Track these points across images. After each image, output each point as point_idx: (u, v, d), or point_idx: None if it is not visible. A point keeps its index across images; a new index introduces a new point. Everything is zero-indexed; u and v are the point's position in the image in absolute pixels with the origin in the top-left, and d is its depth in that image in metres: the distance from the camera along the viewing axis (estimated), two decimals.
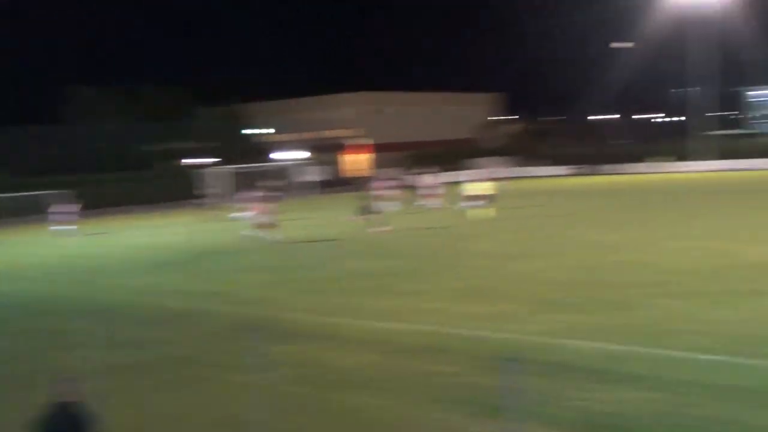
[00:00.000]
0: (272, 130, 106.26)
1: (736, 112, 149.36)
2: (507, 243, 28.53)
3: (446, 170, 54.84)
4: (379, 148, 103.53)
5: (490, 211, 37.29)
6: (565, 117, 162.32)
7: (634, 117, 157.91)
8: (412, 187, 50.48)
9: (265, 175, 70.54)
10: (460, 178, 52.44)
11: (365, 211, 37.56)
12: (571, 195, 49.35)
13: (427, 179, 48.32)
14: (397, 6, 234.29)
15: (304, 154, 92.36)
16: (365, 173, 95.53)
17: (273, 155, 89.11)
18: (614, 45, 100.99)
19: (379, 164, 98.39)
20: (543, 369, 8.14)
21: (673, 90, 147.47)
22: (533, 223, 34.97)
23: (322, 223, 41.38)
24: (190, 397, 12.00)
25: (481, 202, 38.43)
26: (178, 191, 67.89)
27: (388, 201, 43.22)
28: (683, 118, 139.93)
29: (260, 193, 39.13)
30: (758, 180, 59.12)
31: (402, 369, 10.87)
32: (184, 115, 78.49)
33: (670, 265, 21.42)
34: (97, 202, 62.47)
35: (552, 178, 76.56)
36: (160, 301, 20.81)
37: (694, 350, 12.84)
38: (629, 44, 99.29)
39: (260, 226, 34.91)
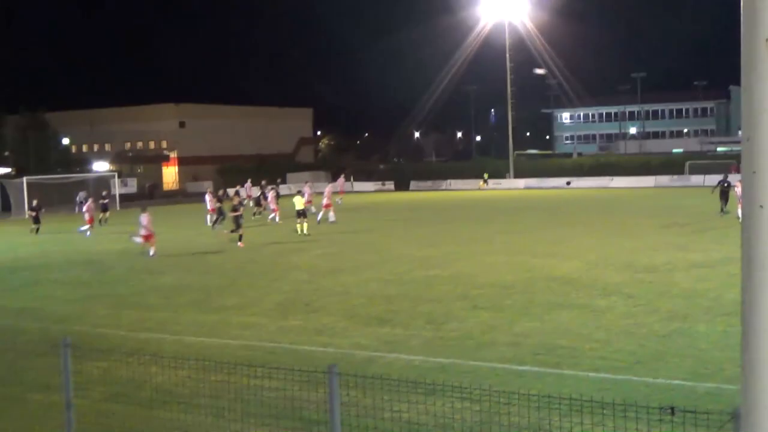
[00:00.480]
0: (78, 141, 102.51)
1: (546, 134, 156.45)
2: (324, 257, 28.76)
3: (260, 185, 54.73)
4: (187, 161, 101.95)
5: (305, 226, 37.35)
6: (369, 133, 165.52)
7: (441, 135, 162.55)
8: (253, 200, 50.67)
9: (72, 186, 68.16)
10: (281, 192, 52.72)
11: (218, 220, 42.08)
12: (382, 210, 50.23)
13: (256, 192, 49.06)
14: (205, 17, 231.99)
15: (111, 166, 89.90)
16: (176, 186, 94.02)
17: (82, 166, 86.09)
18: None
19: (189, 177, 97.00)
20: (362, 382, 8.28)
21: (492, 110, 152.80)
22: (348, 238, 35.42)
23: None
24: None
25: (303, 217, 38.30)
26: None
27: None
28: (479, 137, 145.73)
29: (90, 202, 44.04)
30: (565, 198, 62.26)
31: (221, 384, 10.78)
32: None
33: (480, 279, 22.23)
34: None
35: (361, 193, 77.61)
36: None
37: (505, 361, 13.44)
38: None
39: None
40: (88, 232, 41.83)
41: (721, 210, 39.40)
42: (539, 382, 12.02)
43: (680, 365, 12.86)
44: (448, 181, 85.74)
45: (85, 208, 44.20)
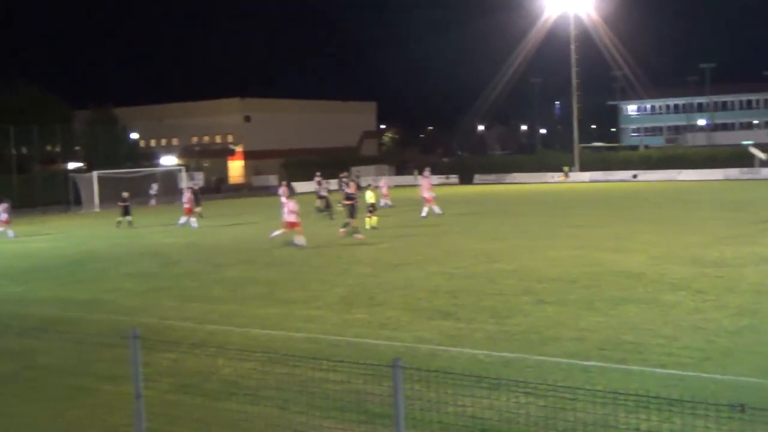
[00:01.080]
0: (145, 135, 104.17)
1: (613, 127, 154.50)
2: (388, 251, 28.82)
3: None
4: (252, 155, 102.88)
5: (374, 220, 37.59)
6: (433, 127, 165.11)
7: (505, 128, 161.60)
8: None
9: (140, 180, 69.34)
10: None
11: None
12: (445, 204, 50.11)
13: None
14: (274, 12, 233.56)
15: (179, 160, 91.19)
16: (242, 180, 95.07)
17: (150, 160, 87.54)
18: None
19: (255, 171, 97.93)
20: (427, 376, 8.30)
21: (557, 102, 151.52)
22: (412, 232, 35.43)
23: (206, 231, 40.87)
24: (69, 409, 11.71)
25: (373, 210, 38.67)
26: (53, 196, 66.12)
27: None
28: (549, 130, 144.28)
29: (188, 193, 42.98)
30: (631, 191, 61.47)
31: (286, 377, 10.88)
32: (58, 118, 76.15)
33: (545, 273, 22.06)
34: None
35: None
36: (33, 310, 20.20)
37: (570, 356, 13.33)
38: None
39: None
40: (195, 223, 41.28)
41: None
42: (604, 378, 11.90)
43: (750, 362, 12.62)
44: (512, 174, 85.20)
45: (185, 199, 43.27)
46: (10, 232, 41.51)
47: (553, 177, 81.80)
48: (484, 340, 14.83)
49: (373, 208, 38.09)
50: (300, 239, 30.74)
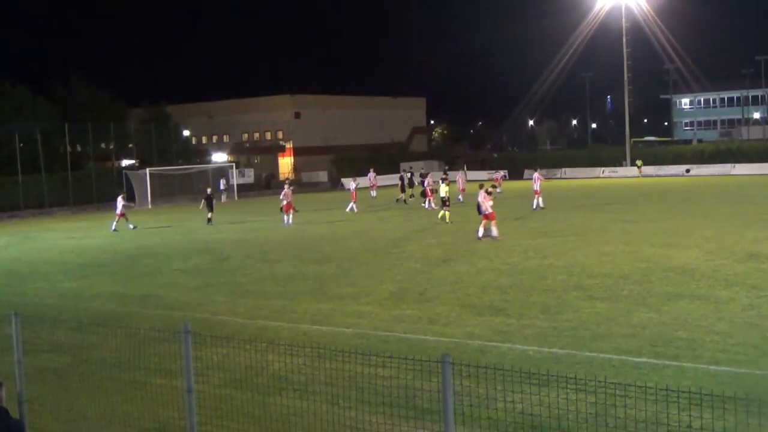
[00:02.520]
0: (197, 132, 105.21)
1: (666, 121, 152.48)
2: (437, 246, 28.78)
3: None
4: (302, 151, 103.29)
5: (447, 214, 38.25)
6: (482, 122, 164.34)
7: (555, 123, 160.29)
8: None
9: (194, 177, 70.09)
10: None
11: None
12: (497, 199, 49.89)
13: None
14: (324, 8, 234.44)
15: (230, 157, 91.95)
16: (291, 176, 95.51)
17: (201, 157, 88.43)
18: None
19: (305, 167, 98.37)
20: (476, 371, 8.27)
21: (608, 96, 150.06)
22: (461, 227, 35.34)
23: (254, 226, 41.19)
24: (122, 403, 11.88)
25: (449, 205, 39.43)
26: (107, 192, 67.10)
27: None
28: (607, 123, 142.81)
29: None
30: (684, 185, 60.65)
31: (335, 372, 10.93)
32: (111, 116, 77.24)
33: (596, 269, 21.88)
34: (23, 203, 61.33)
35: (475, 182, 77.05)
36: (89, 304, 20.54)
37: (621, 352, 13.21)
38: None
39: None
40: (290, 220, 40.25)
41: None
42: (657, 375, 11.78)
43: None
44: (563, 169, 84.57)
45: (282, 196, 41.83)
46: (114, 224, 42.67)
47: (615, 171, 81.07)
48: (534, 336, 14.76)
49: (447, 202, 38.92)
50: (495, 230, 30.23)
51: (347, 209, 47.45)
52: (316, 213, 47.04)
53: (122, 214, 42.95)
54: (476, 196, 30.97)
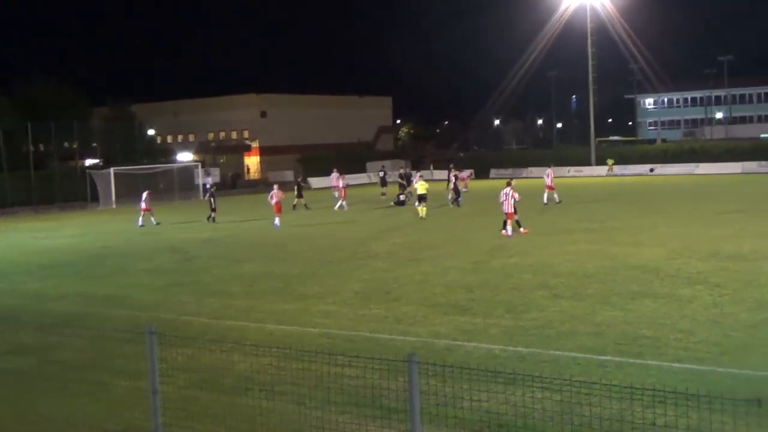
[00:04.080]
0: (162, 131, 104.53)
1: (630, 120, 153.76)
2: (403, 245, 28.81)
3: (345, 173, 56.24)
4: (268, 151, 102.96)
5: (424, 210, 39.29)
6: (449, 121, 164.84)
7: (521, 122, 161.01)
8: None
9: (159, 177, 69.63)
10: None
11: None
12: (465, 198, 50.08)
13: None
14: (290, 7, 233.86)
15: (195, 156, 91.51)
16: (257, 175, 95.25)
17: (166, 157, 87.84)
18: None
19: (271, 167, 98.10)
20: (442, 370, 8.30)
21: (573, 96, 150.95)
22: (427, 226, 35.44)
23: (220, 226, 40.99)
24: (87, 404, 11.77)
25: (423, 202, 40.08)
26: (71, 192, 66.44)
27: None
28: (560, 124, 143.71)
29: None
30: (648, 185, 61.17)
31: (302, 372, 10.91)
32: (75, 115, 76.44)
33: (561, 268, 22.01)
34: None
35: (440, 181, 77.15)
36: (52, 305, 20.33)
37: (586, 350, 13.30)
38: None
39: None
40: (278, 222, 38.84)
41: None
42: (621, 373, 11.87)
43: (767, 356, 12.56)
44: (529, 168, 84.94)
45: (271, 195, 40.44)
46: (140, 219, 42.90)
47: (580, 170, 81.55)
48: (499, 334, 14.82)
49: (424, 199, 39.76)
50: (510, 229, 30.36)
51: (336, 207, 47.69)
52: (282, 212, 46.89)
53: (148, 209, 43.33)
54: (499, 194, 31.07)
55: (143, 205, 43.42)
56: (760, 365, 12.06)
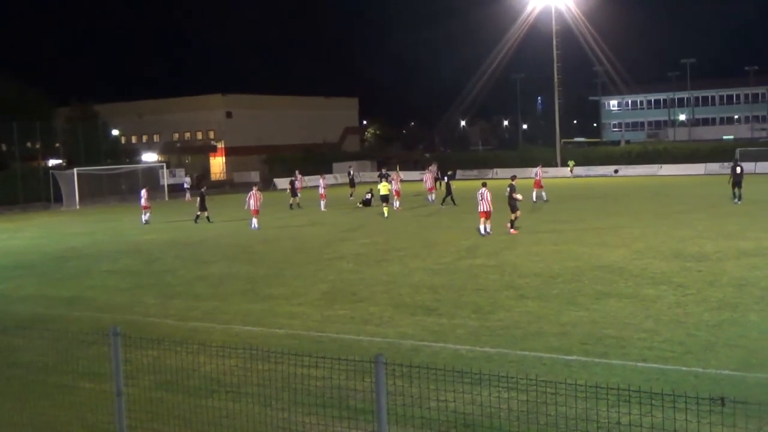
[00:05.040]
0: (126, 132, 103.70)
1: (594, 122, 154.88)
2: (369, 246, 28.81)
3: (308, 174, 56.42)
4: (234, 152, 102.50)
5: (387, 210, 40.34)
6: (415, 122, 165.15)
7: (487, 124, 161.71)
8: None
9: (122, 177, 69.07)
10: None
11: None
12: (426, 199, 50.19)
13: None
14: (255, 7, 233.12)
15: (160, 157, 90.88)
16: (223, 176, 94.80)
17: (131, 157, 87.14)
18: None
19: (237, 167, 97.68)
20: (409, 371, 8.28)
21: (539, 98, 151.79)
22: (394, 227, 35.44)
23: (186, 227, 40.73)
24: (50, 407, 11.63)
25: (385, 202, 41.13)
26: (33, 193, 65.71)
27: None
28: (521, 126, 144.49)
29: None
30: (612, 186, 61.62)
31: (268, 373, 10.85)
32: (38, 115, 75.60)
33: (527, 269, 22.12)
34: None
35: (406, 182, 77.26)
36: (14, 307, 20.09)
37: (552, 350, 13.37)
38: None
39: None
40: (256, 224, 37.80)
41: (737, 197, 40.55)
42: (586, 372, 11.95)
43: (730, 355, 12.70)
44: (495, 169, 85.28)
45: (250, 196, 39.27)
46: (143, 217, 43.79)
47: (546, 171, 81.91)
48: (466, 335, 14.85)
49: (386, 199, 41.01)
50: (488, 227, 30.78)
51: (322, 207, 47.88)
52: (248, 213, 46.68)
53: (147, 206, 44.01)
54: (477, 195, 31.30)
55: (143, 202, 44.09)
56: (723, 364, 12.19)
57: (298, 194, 50.87)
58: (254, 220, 38.16)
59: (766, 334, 13.96)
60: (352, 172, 61.29)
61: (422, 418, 9.57)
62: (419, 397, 9.28)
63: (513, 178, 33.01)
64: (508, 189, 31.33)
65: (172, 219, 45.90)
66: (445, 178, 50.74)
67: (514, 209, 31.18)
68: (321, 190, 49.13)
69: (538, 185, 46.41)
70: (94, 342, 13.54)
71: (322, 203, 48.40)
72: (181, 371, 12.56)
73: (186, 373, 12.47)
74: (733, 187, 40.89)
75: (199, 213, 42.56)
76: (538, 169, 47.71)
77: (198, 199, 43.80)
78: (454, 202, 46.24)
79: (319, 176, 54.81)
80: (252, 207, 38.43)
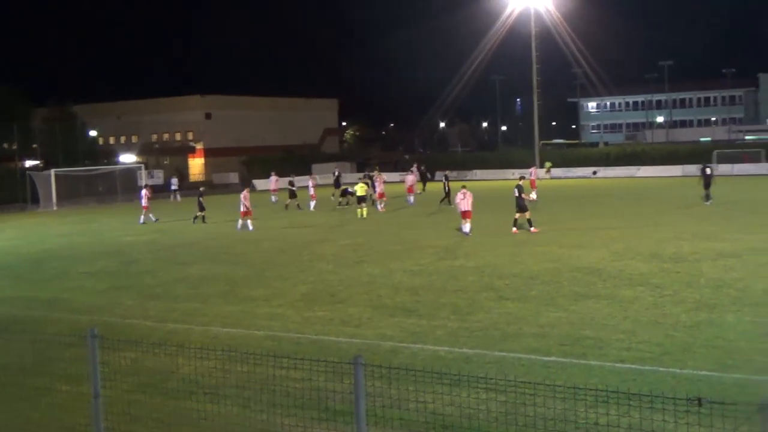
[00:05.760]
0: (104, 133, 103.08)
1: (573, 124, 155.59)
2: (349, 248, 28.79)
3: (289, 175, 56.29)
4: (213, 153, 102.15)
5: (364, 211, 40.68)
6: (395, 124, 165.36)
7: (466, 125, 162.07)
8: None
9: (100, 178, 68.68)
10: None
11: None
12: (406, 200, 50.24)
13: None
14: (234, 8, 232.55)
15: (139, 158, 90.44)
16: (202, 177, 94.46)
17: (109, 158, 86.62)
18: None
19: (216, 169, 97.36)
20: (388, 372, 8.29)
21: (518, 99, 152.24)
22: (373, 228, 35.44)
23: (166, 228, 40.56)
24: (27, 410, 11.56)
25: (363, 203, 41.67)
26: (10, 194, 65.17)
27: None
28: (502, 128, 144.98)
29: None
30: (591, 187, 61.88)
31: (247, 375, 10.82)
32: (15, 115, 75.02)
33: (506, 270, 22.17)
34: None
35: (386, 183, 77.30)
36: None
37: (530, 351, 13.42)
38: None
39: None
40: (251, 226, 37.27)
41: (706, 198, 41.09)
42: (565, 373, 11.99)
43: (707, 356, 12.78)
44: (474, 171, 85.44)
45: (242, 197, 38.39)
46: (142, 217, 44.04)
47: (513, 174, 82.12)
48: (445, 336, 14.88)
49: (363, 200, 41.55)
50: (468, 227, 30.96)
51: (311, 208, 48.00)
52: (228, 214, 46.53)
53: (147, 207, 44.39)
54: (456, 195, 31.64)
55: (144, 202, 44.35)
56: (700, 365, 12.28)
57: (296, 195, 50.68)
58: (249, 222, 37.61)
59: (742, 334, 14.06)
60: (337, 173, 61.08)
61: (401, 420, 9.58)
62: (398, 398, 9.28)
63: (521, 178, 33.39)
64: (516, 189, 31.51)
65: (151, 220, 45.66)
66: (444, 178, 50.80)
67: (523, 209, 31.43)
68: (311, 191, 49.41)
69: (533, 185, 48.10)
70: (72, 344, 13.44)
71: (312, 203, 48.58)
72: (160, 373, 12.52)
73: (164, 375, 12.43)
74: (704, 189, 41.42)
75: (198, 213, 42.37)
76: (533, 170, 49.38)
77: (197, 199, 43.53)
78: (450, 203, 46.25)
79: (275, 177, 55.29)
80: (245, 208, 37.89)
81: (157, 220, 43.95)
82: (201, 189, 48.31)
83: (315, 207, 48.17)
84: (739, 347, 13.23)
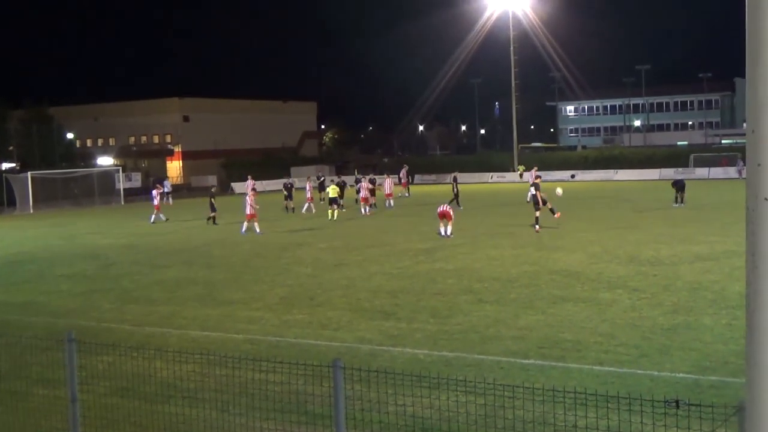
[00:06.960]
0: (81, 135, 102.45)
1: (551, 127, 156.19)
2: (328, 251, 28.77)
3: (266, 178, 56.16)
4: (191, 156, 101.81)
5: (335, 213, 41.36)
6: (373, 127, 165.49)
7: (445, 128, 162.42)
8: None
9: (79, 181, 68.28)
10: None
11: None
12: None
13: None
14: (213, 10, 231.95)
15: (116, 160, 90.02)
16: (180, 180, 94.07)
17: (86, 161, 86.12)
18: None
19: (194, 171, 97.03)
20: (367, 375, 8.29)
21: (496, 103, 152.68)
22: (353, 231, 35.43)
23: (142, 231, 40.38)
24: (2, 414, 11.45)
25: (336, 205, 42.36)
26: None
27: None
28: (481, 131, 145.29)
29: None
30: (569, 190, 62.05)
31: (225, 378, 10.79)
32: None
33: (485, 273, 22.22)
34: None
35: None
36: None
37: (509, 354, 13.44)
38: None
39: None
40: (258, 229, 36.09)
41: (677, 201, 41.95)
42: (543, 376, 12.03)
43: (685, 358, 12.85)
44: (453, 174, 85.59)
45: (248, 199, 37.56)
46: (153, 216, 44.46)
47: (503, 176, 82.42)
48: (424, 339, 14.88)
49: (335, 202, 42.23)
50: (450, 229, 31.17)
51: (304, 210, 47.78)
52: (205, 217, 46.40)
53: (158, 207, 44.83)
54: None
55: (155, 202, 44.78)
56: (678, 367, 12.34)
57: (292, 198, 50.47)
58: (255, 224, 36.50)
59: (719, 337, 14.15)
60: (322, 177, 60.95)
61: (380, 423, 9.57)
62: (377, 401, 9.28)
63: (537, 177, 34.03)
64: (533, 188, 32.08)
65: (129, 224, 45.44)
66: (453, 179, 51.01)
67: (544, 203, 32.33)
68: (308, 194, 49.44)
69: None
70: (49, 348, 13.35)
71: (305, 206, 48.44)
72: (137, 377, 12.42)
73: (142, 378, 12.33)
74: (676, 192, 42.09)
75: (211, 215, 42.22)
76: (533, 171, 49.54)
77: (209, 200, 43.35)
78: (459, 204, 46.32)
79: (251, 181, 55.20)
80: (252, 210, 36.88)
81: (167, 219, 44.29)
82: (213, 190, 48.51)
83: (307, 210, 47.92)
84: (715, 349, 13.31)
